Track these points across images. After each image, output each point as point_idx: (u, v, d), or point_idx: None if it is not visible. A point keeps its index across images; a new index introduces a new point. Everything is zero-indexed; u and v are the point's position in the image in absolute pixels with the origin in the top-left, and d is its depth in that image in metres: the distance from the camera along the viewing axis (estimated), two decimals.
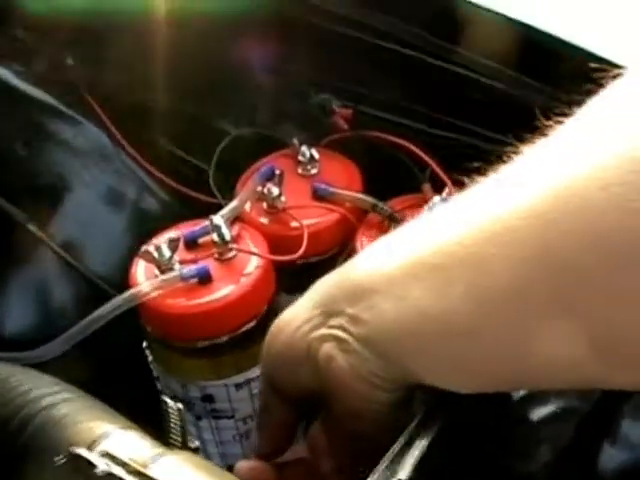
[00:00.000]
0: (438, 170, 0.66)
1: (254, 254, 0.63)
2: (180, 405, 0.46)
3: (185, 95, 0.80)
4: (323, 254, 0.69)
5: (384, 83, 0.71)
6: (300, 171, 0.71)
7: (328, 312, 0.46)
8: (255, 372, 0.65)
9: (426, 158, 0.67)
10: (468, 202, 0.42)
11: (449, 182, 0.65)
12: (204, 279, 0.62)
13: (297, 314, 0.48)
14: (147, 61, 0.81)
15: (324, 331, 0.46)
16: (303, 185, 0.70)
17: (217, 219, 0.63)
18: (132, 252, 0.83)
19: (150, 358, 0.68)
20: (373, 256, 0.46)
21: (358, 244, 0.66)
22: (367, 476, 0.40)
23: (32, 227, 0.79)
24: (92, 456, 0.40)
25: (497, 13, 0.65)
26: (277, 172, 0.68)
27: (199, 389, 0.65)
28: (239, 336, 0.63)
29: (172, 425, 0.46)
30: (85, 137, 0.84)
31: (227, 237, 0.63)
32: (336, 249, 0.69)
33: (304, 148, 0.70)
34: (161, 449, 0.44)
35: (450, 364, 0.41)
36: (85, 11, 0.81)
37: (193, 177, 0.84)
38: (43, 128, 0.83)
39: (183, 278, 0.62)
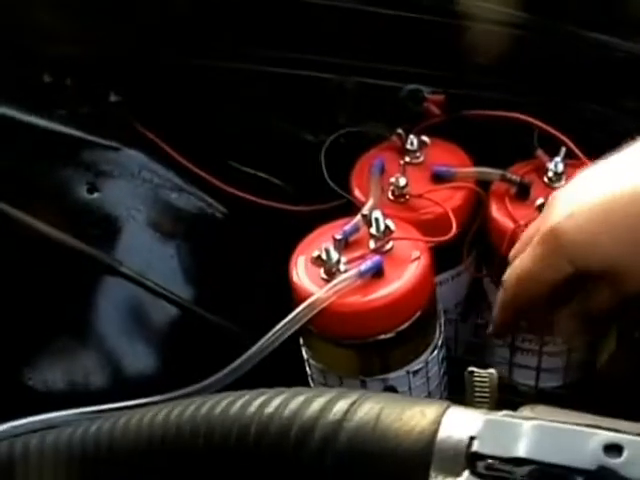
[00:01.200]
0: (556, 133, 0.69)
1: (417, 240, 0.65)
2: (492, 370, 0.47)
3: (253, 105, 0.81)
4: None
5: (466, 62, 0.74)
6: (408, 159, 0.73)
7: None
8: (429, 355, 0.67)
9: (539, 124, 0.70)
10: None
11: (568, 141, 0.69)
12: (378, 274, 0.63)
13: None
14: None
15: None
16: (416, 173, 0.72)
17: (375, 213, 0.65)
18: (200, 267, 0.83)
19: (312, 363, 0.68)
20: None
21: (495, 215, 0.69)
22: None
23: (119, 266, 0.77)
24: None
25: None
26: (401, 162, 0.70)
27: (381, 382, 0.66)
28: (416, 322, 0.65)
29: (480, 392, 0.47)
30: (143, 168, 0.82)
31: (392, 227, 0.64)
32: (464, 227, 0.71)
33: (412, 136, 0.72)
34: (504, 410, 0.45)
35: None
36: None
37: (257, 188, 0.84)
38: (101, 168, 0.81)
39: (361, 275, 0.62)
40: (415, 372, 0.66)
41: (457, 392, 0.69)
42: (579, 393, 0.73)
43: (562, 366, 0.72)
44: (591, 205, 0.55)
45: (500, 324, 0.64)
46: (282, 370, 0.69)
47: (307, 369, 0.69)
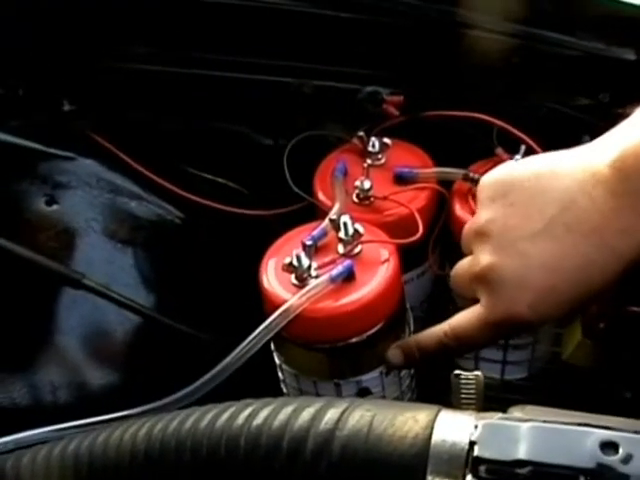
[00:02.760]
0: (515, 130, 0.70)
1: (386, 242, 0.66)
2: (478, 372, 0.48)
3: (208, 112, 0.81)
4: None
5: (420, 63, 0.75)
6: (370, 162, 0.74)
7: None
8: None
9: (497, 122, 0.71)
10: None
11: (527, 139, 0.71)
12: (349, 277, 0.64)
13: None
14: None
15: None
16: (378, 174, 0.73)
17: (344, 218, 0.65)
18: (162, 275, 0.83)
19: (285, 367, 0.68)
20: None
21: (458, 213, 0.70)
22: None
23: (81, 279, 0.76)
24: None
25: None
26: (363, 165, 0.71)
27: (355, 385, 0.66)
28: (387, 323, 0.65)
29: (467, 394, 0.48)
30: (100, 177, 0.81)
31: (361, 230, 0.64)
32: (428, 226, 0.72)
33: (374, 138, 0.73)
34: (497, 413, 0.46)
35: None
36: None
37: (216, 193, 0.84)
38: (58, 180, 0.80)
39: (333, 280, 0.63)
40: (386, 372, 0.67)
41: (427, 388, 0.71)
42: (544, 384, 0.75)
43: (527, 358, 0.74)
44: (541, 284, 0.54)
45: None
46: (254, 375, 0.69)
47: (279, 374, 0.69)
